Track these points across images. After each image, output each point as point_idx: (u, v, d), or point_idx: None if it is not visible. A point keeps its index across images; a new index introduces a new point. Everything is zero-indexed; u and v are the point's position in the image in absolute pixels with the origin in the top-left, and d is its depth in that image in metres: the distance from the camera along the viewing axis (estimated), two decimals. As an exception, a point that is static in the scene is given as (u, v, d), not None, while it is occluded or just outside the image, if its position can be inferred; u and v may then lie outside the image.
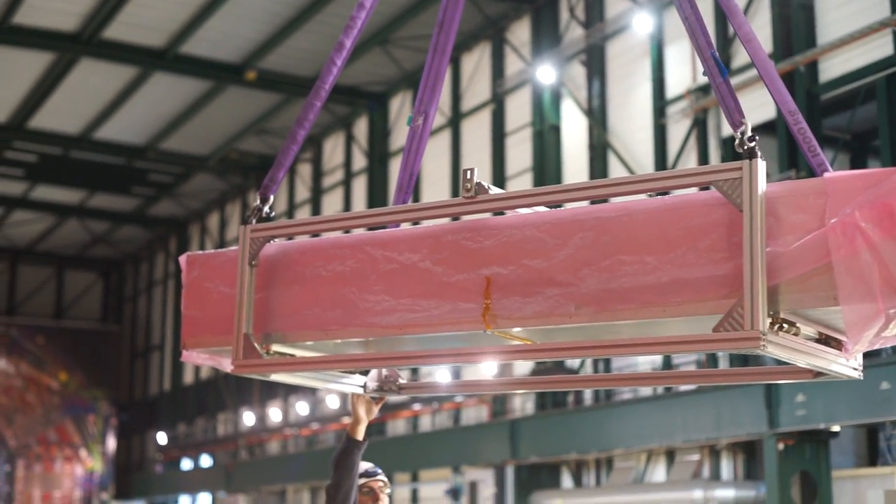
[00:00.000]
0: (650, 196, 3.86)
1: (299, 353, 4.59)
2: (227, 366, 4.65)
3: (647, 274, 3.65)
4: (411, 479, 25.18)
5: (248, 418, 30.95)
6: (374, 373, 5.05)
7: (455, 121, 24.66)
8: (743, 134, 3.58)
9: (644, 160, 19.68)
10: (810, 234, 3.40)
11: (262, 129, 28.97)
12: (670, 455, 18.92)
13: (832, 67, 16.81)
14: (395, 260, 4.14)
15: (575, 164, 21.44)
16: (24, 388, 38.02)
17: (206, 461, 35.12)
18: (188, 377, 36.99)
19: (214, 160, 31.11)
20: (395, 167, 26.65)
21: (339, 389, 4.99)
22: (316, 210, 29.47)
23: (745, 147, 3.55)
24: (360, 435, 5.43)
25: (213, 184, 33.84)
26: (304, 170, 30.61)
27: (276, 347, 4.48)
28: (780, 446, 15.95)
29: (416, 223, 4.40)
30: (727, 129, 18.15)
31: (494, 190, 4.07)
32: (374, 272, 4.19)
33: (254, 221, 4.49)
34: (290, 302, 4.41)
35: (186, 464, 36.58)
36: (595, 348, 3.90)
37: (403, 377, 5.05)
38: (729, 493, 17.26)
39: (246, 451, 32.08)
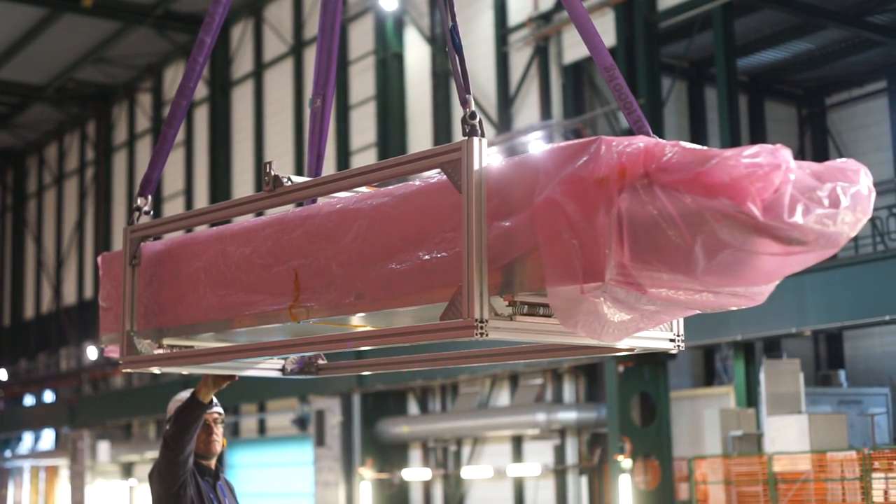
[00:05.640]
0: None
1: (199, 344, 4.65)
2: None
3: (403, 261, 3.56)
4: (258, 410, 25.14)
5: (92, 352, 30.45)
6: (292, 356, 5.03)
7: (297, 49, 24.42)
8: (466, 111, 3.44)
9: (487, 88, 19.74)
10: (523, 214, 3.22)
11: (100, 57, 28.28)
12: (514, 379, 19.20)
13: (670, -5, 17.07)
14: (234, 255, 4.22)
15: (418, 91, 21.43)
16: None
17: (49, 397, 34.55)
18: (28, 312, 36.24)
19: (51, 90, 30.32)
20: (237, 95, 26.33)
21: (258, 375, 5.02)
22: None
23: (468, 125, 3.41)
24: (206, 399, 5.47)
25: (51, 114, 33.00)
26: (145, 99, 30.02)
27: (168, 341, 4.56)
28: (620, 369, 16.34)
29: (226, 221, 4.51)
30: (569, 57, 18.31)
31: (296, 179, 4.10)
32: (222, 267, 4.27)
33: (135, 221, 4.60)
34: (164, 297, 4.51)
35: (29, 400, 35.95)
36: (361, 339, 3.90)
37: (324, 358, 5.04)
38: (571, 415, 17.62)
39: (90, 385, 31.62)
